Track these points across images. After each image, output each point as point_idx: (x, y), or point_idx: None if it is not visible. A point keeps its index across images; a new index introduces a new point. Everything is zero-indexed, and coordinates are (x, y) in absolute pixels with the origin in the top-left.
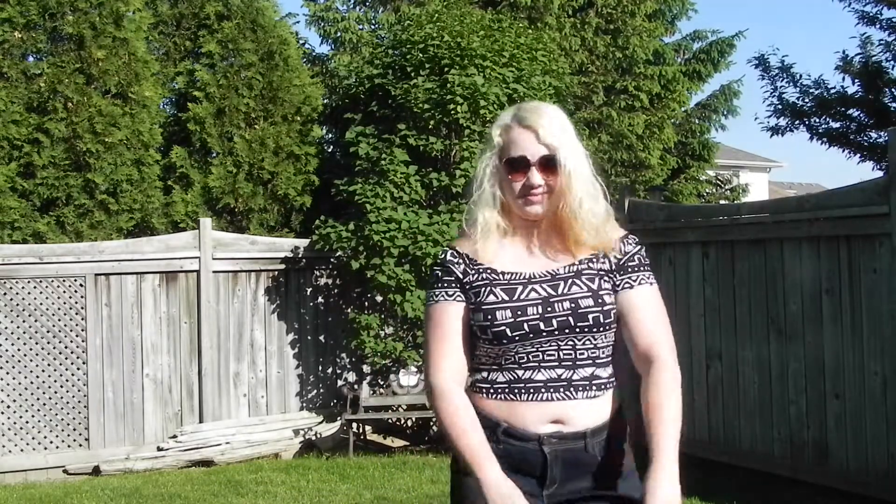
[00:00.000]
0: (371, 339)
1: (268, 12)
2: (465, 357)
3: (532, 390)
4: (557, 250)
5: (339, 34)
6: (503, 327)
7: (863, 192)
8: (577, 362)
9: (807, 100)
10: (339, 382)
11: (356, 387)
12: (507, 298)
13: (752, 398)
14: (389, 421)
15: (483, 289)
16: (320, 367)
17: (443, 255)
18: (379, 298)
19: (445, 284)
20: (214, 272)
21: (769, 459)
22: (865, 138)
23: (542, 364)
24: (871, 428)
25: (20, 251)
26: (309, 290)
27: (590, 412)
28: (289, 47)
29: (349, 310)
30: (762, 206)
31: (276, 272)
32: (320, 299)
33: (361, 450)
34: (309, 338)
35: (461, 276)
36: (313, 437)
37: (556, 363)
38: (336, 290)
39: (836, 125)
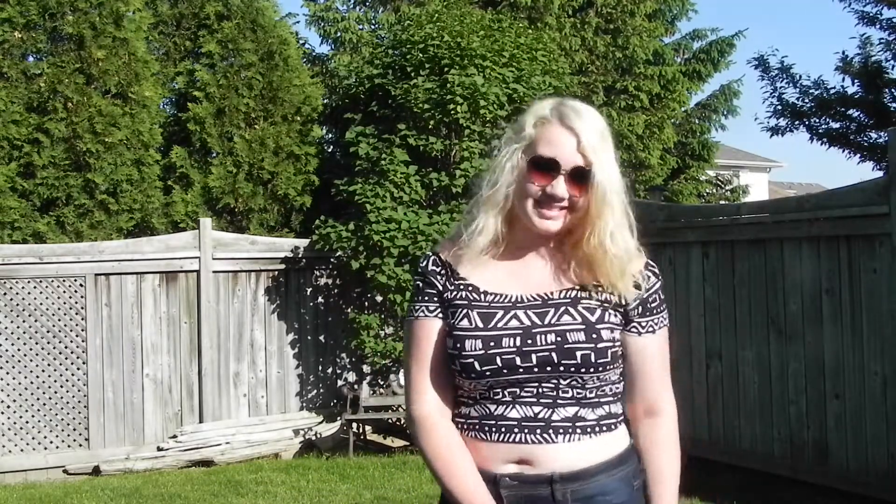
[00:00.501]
0: (371, 339)
1: (268, 12)
2: (450, 381)
3: (504, 429)
4: (558, 271)
5: (339, 34)
6: (471, 360)
7: (863, 193)
8: (559, 401)
9: (806, 100)
10: (339, 382)
11: (356, 387)
12: (480, 325)
13: (752, 398)
14: (389, 421)
15: (459, 310)
16: (320, 367)
17: (424, 263)
18: (379, 298)
19: (426, 298)
20: (214, 272)
21: (769, 459)
22: (865, 138)
23: (517, 400)
24: (871, 428)
25: (20, 251)
26: (309, 290)
27: (564, 455)
28: (289, 47)
29: (349, 310)
30: (762, 207)
31: (276, 272)
32: (320, 299)
33: (361, 450)
34: (309, 338)
35: (441, 289)
36: (313, 437)
37: (534, 400)
38: (336, 290)
39: (835, 125)
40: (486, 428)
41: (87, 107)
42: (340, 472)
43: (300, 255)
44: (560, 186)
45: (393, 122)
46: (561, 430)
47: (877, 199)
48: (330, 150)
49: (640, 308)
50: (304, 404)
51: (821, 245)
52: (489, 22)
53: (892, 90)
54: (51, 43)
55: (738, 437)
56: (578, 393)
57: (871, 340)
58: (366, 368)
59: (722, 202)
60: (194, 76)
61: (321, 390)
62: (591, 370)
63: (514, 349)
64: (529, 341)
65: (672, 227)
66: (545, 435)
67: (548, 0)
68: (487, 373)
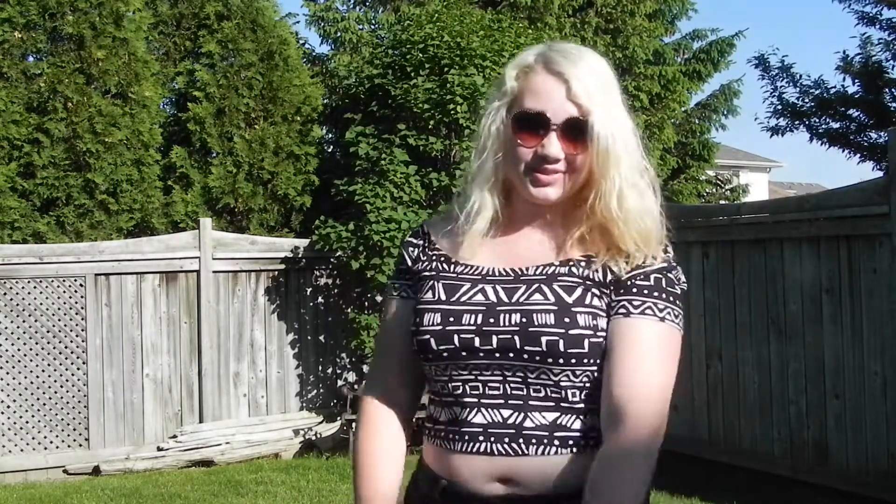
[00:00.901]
0: (371, 340)
1: (268, 12)
2: (412, 371)
3: (468, 437)
4: (550, 244)
5: (339, 34)
6: (427, 336)
7: (862, 192)
8: (531, 402)
9: (807, 100)
10: (339, 382)
11: (356, 387)
12: (443, 298)
13: (752, 398)
14: None
15: (426, 282)
16: (320, 367)
17: (407, 237)
18: (379, 298)
19: (399, 275)
20: (214, 272)
21: (769, 459)
22: (865, 138)
23: (482, 401)
24: (871, 428)
25: (20, 251)
26: (309, 290)
27: (555, 472)
28: (289, 47)
29: (349, 310)
30: (762, 207)
31: (276, 272)
32: (320, 299)
33: None
34: (309, 338)
35: (412, 263)
36: (313, 437)
37: (502, 401)
38: (336, 290)
39: (835, 125)
40: (451, 435)
41: (87, 107)
42: (340, 472)
43: (300, 255)
44: (553, 145)
45: (393, 122)
46: (534, 440)
47: (877, 199)
48: (330, 150)
49: (629, 285)
50: (304, 404)
51: (821, 245)
52: (489, 22)
53: (893, 90)
54: (51, 43)
55: (738, 437)
56: (554, 392)
57: (870, 340)
58: (366, 368)
59: (722, 202)
60: (194, 76)
61: (321, 390)
62: (561, 361)
63: (474, 328)
64: (491, 320)
65: (672, 227)
66: (514, 445)
67: (548, 0)
68: (444, 353)
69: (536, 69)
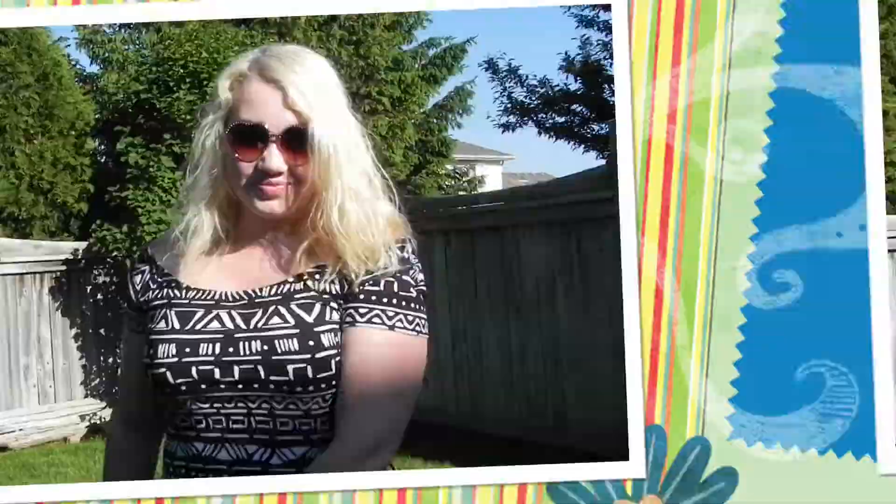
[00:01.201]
0: None
1: (41, 37)
2: (152, 401)
3: (212, 475)
4: (280, 260)
5: (107, 55)
6: (163, 369)
7: (588, 180)
8: (278, 437)
9: (534, 98)
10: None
11: None
12: (177, 327)
13: (496, 375)
14: None
15: (158, 310)
16: (102, 358)
17: (136, 260)
18: None
19: (127, 305)
20: (2, 275)
21: (512, 425)
22: (588, 130)
23: (226, 436)
24: (603, 398)
25: None
26: (89, 287)
27: None
28: (62, 68)
29: (126, 305)
30: (498, 196)
31: (59, 273)
32: (100, 296)
33: None
34: (90, 331)
35: (138, 292)
36: (98, 422)
37: (247, 436)
38: (114, 287)
39: (561, 120)
40: (194, 473)
41: None
42: None
43: (80, 257)
44: (274, 157)
45: (159, 133)
46: None
47: (601, 184)
48: (103, 160)
49: (357, 294)
50: (90, 392)
51: (553, 229)
52: (243, 38)
53: (611, 86)
54: None
55: (483, 410)
56: (304, 424)
57: (598, 315)
58: None
59: (461, 193)
60: None
61: (104, 378)
62: (311, 389)
63: (213, 358)
64: (231, 349)
65: (415, 219)
66: None
67: (296, 17)
68: (183, 387)
69: (250, 77)
